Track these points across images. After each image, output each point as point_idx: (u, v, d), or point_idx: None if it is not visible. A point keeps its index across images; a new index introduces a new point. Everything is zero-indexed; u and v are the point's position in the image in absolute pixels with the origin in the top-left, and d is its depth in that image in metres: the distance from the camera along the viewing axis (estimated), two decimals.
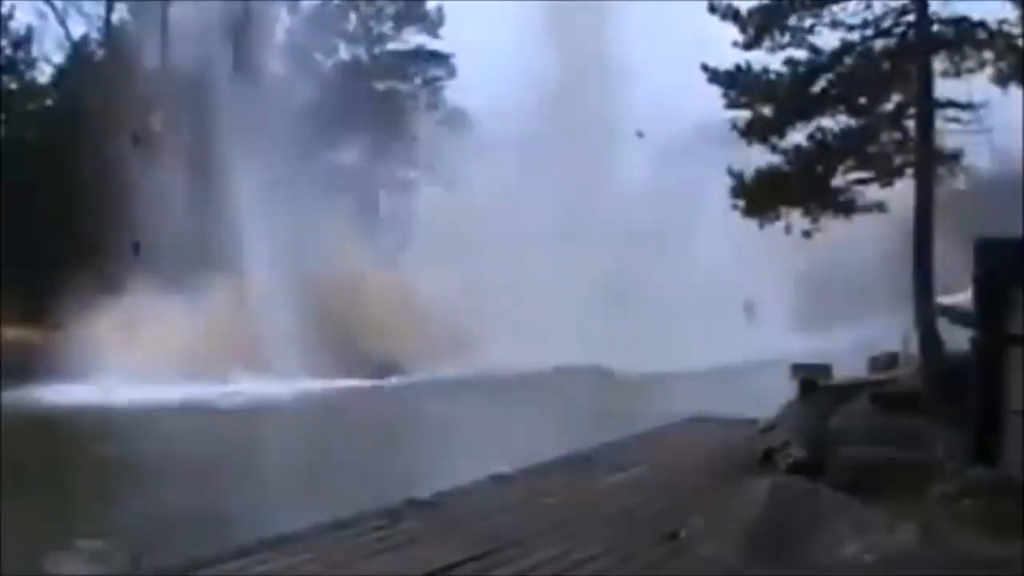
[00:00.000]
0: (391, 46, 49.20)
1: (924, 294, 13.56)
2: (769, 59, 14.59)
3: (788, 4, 14.50)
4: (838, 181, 14.66)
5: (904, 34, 14.25)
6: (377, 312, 35.72)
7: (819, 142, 14.54)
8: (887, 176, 14.54)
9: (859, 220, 15.24)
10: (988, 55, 13.90)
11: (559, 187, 39.44)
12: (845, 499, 9.17)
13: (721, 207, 15.92)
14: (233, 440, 22.60)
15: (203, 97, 39.96)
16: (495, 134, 42.42)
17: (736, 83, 14.64)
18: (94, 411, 25.90)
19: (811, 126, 14.57)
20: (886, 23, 14.30)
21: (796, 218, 14.86)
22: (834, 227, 15.43)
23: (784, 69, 14.50)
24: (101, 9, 42.49)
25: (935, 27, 14.02)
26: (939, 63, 14.03)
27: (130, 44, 41.18)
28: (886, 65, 14.46)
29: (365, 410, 27.60)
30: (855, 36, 14.39)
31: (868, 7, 14.32)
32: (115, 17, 43.11)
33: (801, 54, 14.51)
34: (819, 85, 14.54)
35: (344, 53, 49.14)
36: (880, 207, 14.91)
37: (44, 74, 41.66)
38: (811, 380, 14.48)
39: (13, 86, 39.99)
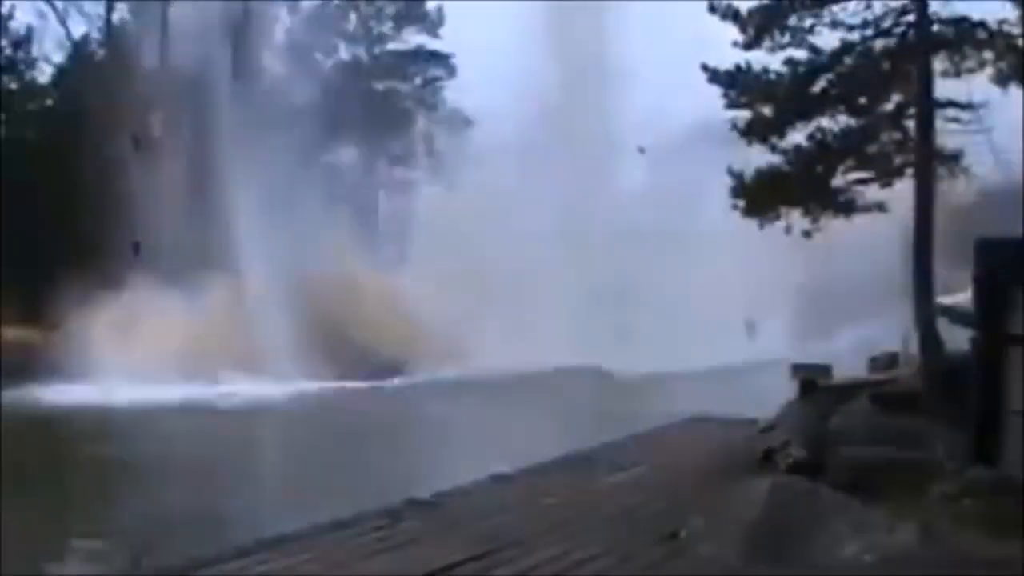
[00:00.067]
0: (391, 46, 49.22)
1: (924, 294, 13.55)
2: (769, 59, 14.59)
3: (788, 4, 14.49)
4: (838, 181, 14.65)
5: (904, 34, 14.24)
6: (376, 313, 35.70)
7: (819, 142, 14.53)
8: (887, 176, 14.53)
9: (859, 220, 15.23)
10: (988, 55, 13.89)
11: (559, 187, 39.44)
12: (845, 499, 9.17)
13: (721, 207, 15.92)
14: (231, 441, 22.59)
15: (203, 97, 40.00)
16: (495, 134, 42.45)
17: (736, 83, 14.63)
18: (93, 411, 25.88)
19: (811, 126, 14.55)
20: (886, 23, 14.29)
21: (796, 218, 14.85)
22: (834, 227, 15.42)
23: (784, 69, 14.48)
24: (101, 9, 42.54)
25: (935, 27, 14.01)
26: (939, 63, 14.02)
27: (130, 44, 41.16)
28: (886, 65, 14.45)
29: (363, 411, 27.57)
30: (855, 36, 14.38)
31: (868, 7, 14.31)
32: (115, 17, 43.16)
33: (801, 54, 14.51)
34: (819, 85, 14.52)
35: (344, 53, 49.16)
36: (880, 207, 14.90)
37: (44, 74, 41.78)
38: (811, 380, 14.48)
39: (13, 86, 40.00)
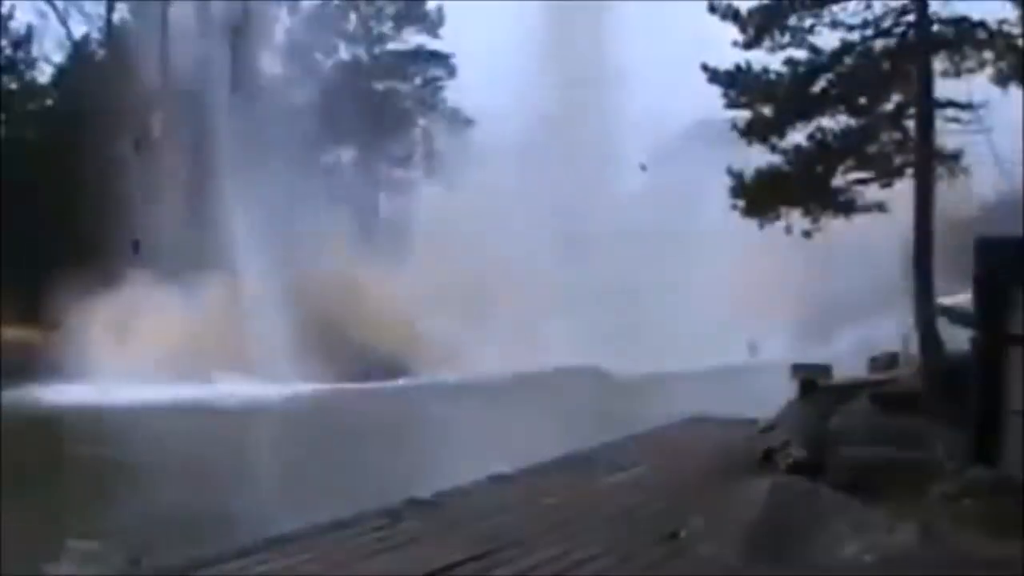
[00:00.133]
0: (391, 46, 49.20)
1: (924, 294, 13.54)
2: (769, 59, 14.57)
3: (788, 4, 14.48)
4: (838, 181, 14.64)
5: (904, 34, 14.23)
6: (374, 314, 35.59)
7: (819, 142, 14.52)
8: (887, 176, 14.52)
9: (859, 220, 15.22)
10: (988, 55, 13.88)
11: (558, 187, 39.42)
12: (845, 499, 9.18)
13: (721, 207, 15.91)
14: (228, 441, 22.59)
15: (202, 97, 40.00)
16: (494, 134, 42.42)
17: (736, 83, 14.62)
18: (91, 411, 25.86)
19: (811, 126, 14.54)
20: (886, 23, 14.28)
21: (796, 218, 14.84)
22: (834, 227, 15.41)
23: (784, 69, 14.47)
24: (102, 9, 42.56)
25: (935, 27, 14.00)
26: (939, 63, 14.01)
27: (130, 44, 41.15)
28: (886, 65, 14.44)
29: (360, 413, 27.47)
30: (855, 36, 14.37)
31: (868, 7, 14.30)
32: (115, 17, 43.18)
33: (801, 54, 14.50)
34: (819, 85, 14.51)
35: (344, 53, 49.14)
36: (880, 207, 14.89)
37: (44, 74, 41.77)
38: (811, 380, 14.48)
39: (13, 86, 39.99)
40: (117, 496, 17.04)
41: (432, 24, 48.48)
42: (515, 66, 39.21)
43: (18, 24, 40.04)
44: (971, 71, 14.03)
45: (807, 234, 15.01)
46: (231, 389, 30.49)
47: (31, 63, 41.05)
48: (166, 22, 41.63)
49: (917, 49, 13.96)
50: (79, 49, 42.20)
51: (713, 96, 15.02)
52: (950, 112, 14.14)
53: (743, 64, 14.54)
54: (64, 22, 41.89)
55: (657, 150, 42.13)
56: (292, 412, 27.58)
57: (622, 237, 38.35)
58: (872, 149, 14.58)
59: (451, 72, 48.60)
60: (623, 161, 41.82)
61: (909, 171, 14.16)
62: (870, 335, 23.58)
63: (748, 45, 14.67)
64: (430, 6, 48.58)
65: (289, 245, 35.53)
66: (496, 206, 38.54)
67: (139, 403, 26.74)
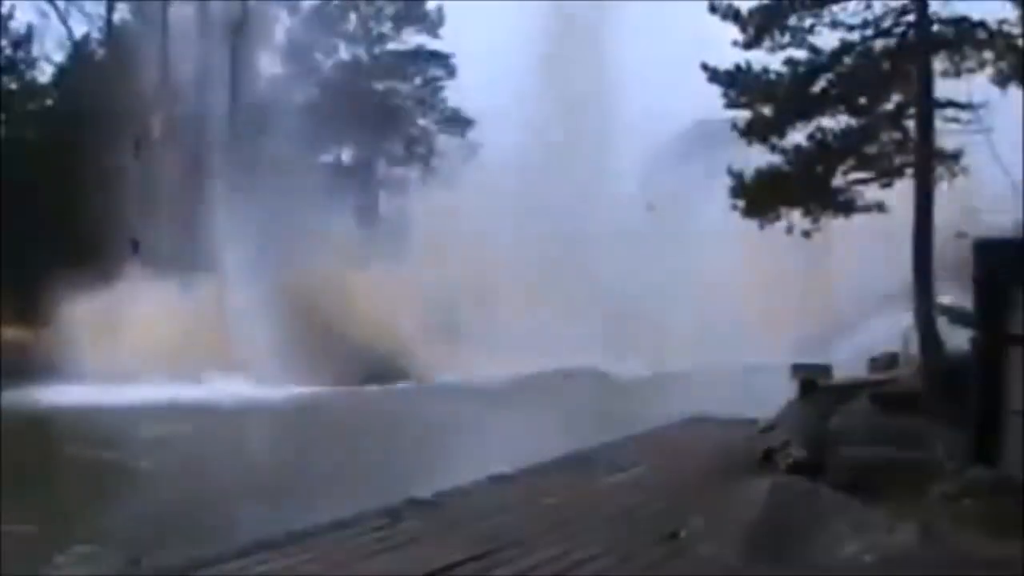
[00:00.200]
0: (391, 46, 49.16)
1: (924, 294, 13.54)
2: (769, 59, 14.57)
3: (788, 4, 14.48)
4: (838, 181, 14.64)
5: (904, 34, 14.23)
6: (372, 315, 35.46)
7: (819, 142, 14.52)
8: (887, 176, 14.52)
9: (858, 220, 15.22)
10: (988, 55, 13.87)
11: (558, 188, 39.36)
12: (845, 499, 9.18)
13: (721, 208, 15.91)
14: (224, 442, 22.56)
15: (202, 97, 40.02)
16: (494, 134, 42.42)
17: (736, 83, 14.62)
18: (88, 412, 25.75)
19: (811, 126, 14.54)
20: (886, 23, 14.28)
21: (796, 218, 14.85)
22: (834, 228, 15.42)
23: (784, 69, 14.47)
24: (102, 9, 42.54)
25: (935, 27, 14.00)
26: (939, 63, 14.01)
27: (131, 44, 41.16)
28: (886, 65, 14.44)
29: (358, 414, 27.38)
30: (855, 36, 14.36)
31: (868, 7, 14.30)
32: (116, 17, 43.18)
33: (801, 54, 14.49)
34: (819, 85, 14.51)
35: (344, 53, 49.11)
36: (880, 207, 14.89)
37: (45, 74, 41.73)
38: (811, 380, 14.48)
39: (13, 86, 39.97)
40: (113, 497, 17.00)
41: (432, 24, 48.45)
42: (515, 66, 39.23)
43: (18, 24, 40.09)
44: (971, 71, 14.03)
45: (807, 234, 15.02)
46: (220, 391, 30.23)
47: (31, 63, 41.00)
48: (166, 22, 41.64)
49: (917, 49, 13.96)
50: (79, 49, 42.18)
51: (713, 96, 15.03)
52: (950, 112, 14.13)
53: (743, 64, 14.54)
54: (65, 22, 41.94)
55: (657, 150, 42.15)
56: (287, 415, 27.35)
57: (621, 237, 38.33)
58: (872, 149, 14.58)
59: (451, 72, 48.58)
60: (622, 161, 41.84)
61: (909, 171, 14.16)
62: (870, 335, 23.54)
63: (748, 45, 14.67)
64: (430, 6, 48.57)
65: (287, 246, 35.44)
66: (495, 206, 38.53)
67: (126, 404, 26.60)
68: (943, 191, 14.14)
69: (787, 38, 14.47)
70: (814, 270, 34.72)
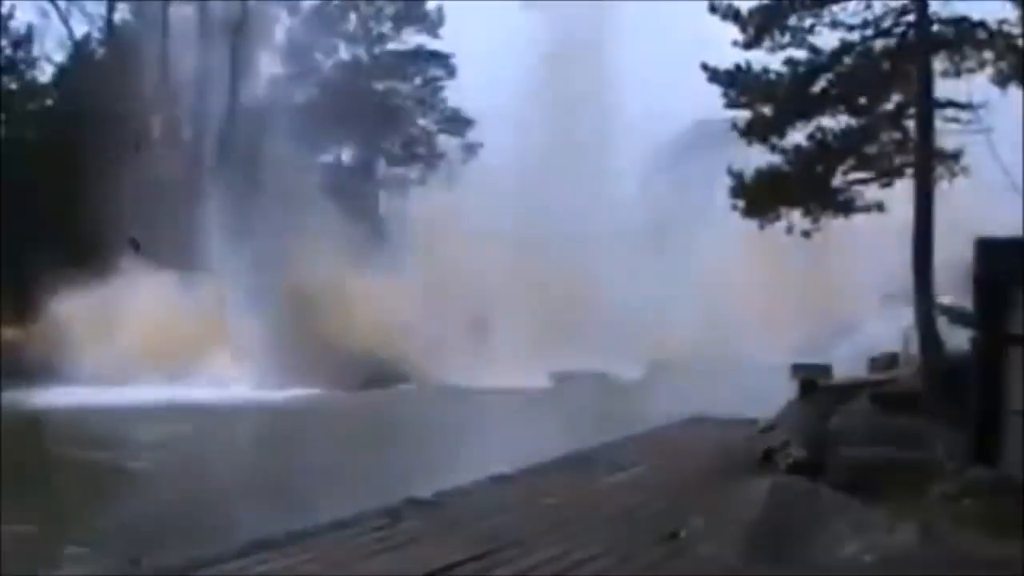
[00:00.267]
0: (391, 46, 49.18)
1: (924, 294, 13.54)
2: (769, 59, 14.57)
3: (788, 4, 14.48)
4: (838, 181, 14.64)
5: (904, 34, 14.23)
6: (371, 317, 35.35)
7: (819, 142, 14.52)
8: (887, 176, 14.52)
9: (858, 220, 15.22)
10: (988, 55, 13.88)
11: (558, 188, 39.35)
12: (845, 499, 9.18)
13: (721, 208, 15.91)
14: (223, 443, 22.55)
15: (202, 97, 40.03)
16: (494, 134, 42.42)
17: (736, 83, 14.61)
18: (86, 413, 25.70)
19: (811, 126, 14.54)
20: (886, 23, 14.28)
21: (796, 218, 14.85)
22: (834, 227, 15.41)
23: (784, 69, 14.47)
24: (103, 9, 42.55)
25: (935, 27, 13.99)
26: (939, 63, 14.00)
27: (131, 44, 41.17)
28: (886, 65, 14.44)
29: (357, 416, 27.30)
30: (855, 36, 14.36)
31: (868, 7, 14.30)
32: (116, 17, 43.19)
33: (801, 54, 14.49)
34: (819, 85, 14.50)
35: (344, 53, 49.13)
36: (880, 207, 14.89)
37: (45, 74, 41.72)
38: (811, 380, 14.48)
39: (13, 86, 39.96)
40: (109, 498, 16.97)
41: (432, 24, 48.47)
42: (515, 66, 39.24)
43: (18, 24, 40.07)
44: (971, 71, 14.02)
45: (807, 234, 15.02)
46: (219, 392, 30.15)
47: (32, 63, 40.99)
48: (166, 22, 41.66)
49: (917, 49, 13.96)
50: (80, 49, 42.17)
51: (713, 96, 15.03)
52: (950, 112, 14.13)
53: (743, 64, 14.54)
54: (65, 22, 41.94)
55: (657, 150, 42.18)
56: (279, 416, 27.24)
57: (621, 237, 38.34)
58: (872, 149, 14.58)
59: (451, 72, 48.59)
60: (622, 161, 41.86)
61: (909, 171, 14.16)
62: (869, 335, 23.55)
63: (748, 45, 14.66)
64: (430, 6, 48.60)
65: (286, 246, 35.36)
66: (495, 206, 38.52)
67: (113, 405, 26.55)
68: (943, 191, 14.15)
69: (787, 38, 14.47)
70: (814, 270, 34.74)
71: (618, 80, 39.59)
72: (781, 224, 14.94)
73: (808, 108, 14.46)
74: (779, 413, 14.03)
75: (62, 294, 32.01)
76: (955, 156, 14.38)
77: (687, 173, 35.64)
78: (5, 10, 39.27)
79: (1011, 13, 13.67)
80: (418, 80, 49.53)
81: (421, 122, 49.44)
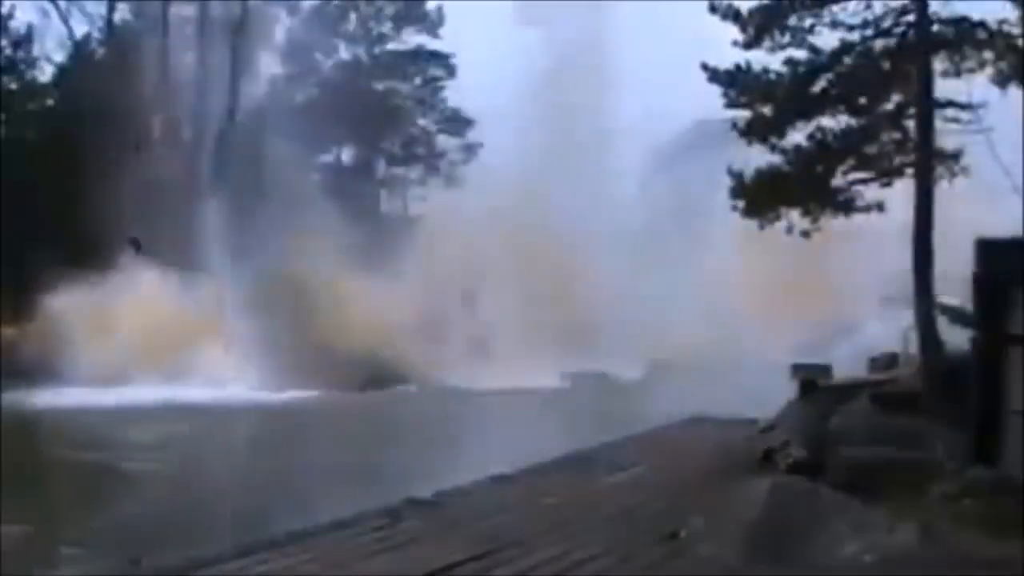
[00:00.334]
0: (391, 46, 49.22)
1: (924, 294, 13.54)
2: (769, 59, 14.57)
3: (788, 4, 14.47)
4: (838, 181, 14.64)
5: (904, 34, 14.22)
6: (373, 317, 35.29)
7: (819, 142, 14.51)
8: (887, 176, 14.52)
9: (858, 220, 15.22)
10: (988, 55, 13.87)
11: (558, 188, 39.35)
12: (845, 499, 9.19)
13: (721, 208, 15.90)
14: (222, 444, 22.54)
15: (202, 97, 40.03)
16: (494, 134, 42.41)
17: (736, 83, 14.60)
18: (83, 414, 25.66)
19: (811, 126, 14.53)
20: (886, 23, 14.27)
21: (796, 218, 14.84)
22: (834, 227, 15.41)
23: (784, 69, 14.47)
24: (103, 9, 42.55)
25: (935, 27, 13.98)
26: (939, 63, 14.00)
27: (131, 44, 41.17)
28: (886, 65, 14.43)
29: (354, 417, 27.26)
30: (855, 36, 14.36)
31: (868, 7, 14.29)
32: (116, 17, 43.19)
33: (801, 54, 14.48)
34: (819, 85, 14.49)
35: (344, 53, 49.16)
36: (880, 207, 14.89)
37: (45, 73, 41.71)
38: (811, 380, 14.48)
39: (13, 86, 39.95)
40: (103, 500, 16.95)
41: (432, 24, 48.50)
42: (515, 66, 39.24)
43: (18, 23, 40.05)
44: (971, 71, 14.01)
45: (806, 234, 15.02)
46: (216, 394, 30.06)
47: (32, 63, 40.97)
48: (166, 22, 41.67)
49: (917, 49, 13.95)
50: (80, 49, 42.17)
51: (713, 96, 15.02)
52: (950, 112, 14.12)
53: (743, 64, 14.53)
54: (65, 21, 41.93)
55: (657, 150, 42.16)
56: (278, 417, 27.14)
57: (621, 237, 38.33)
58: (872, 149, 14.57)
59: (451, 72, 48.62)
60: (622, 162, 41.86)
61: (909, 171, 14.16)
62: (869, 335, 23.57)
63: (748, 45, 14.65)
64: (430, 6, 48.63)
65: (286, 246, 35.34)
66: (495, 206, 38.51)
67: (110, 406, 26.52)
68: (943, 191, 14.14)
69: (787, 38, 14.46)
70: (814, 270, 34.69)
71: (618, 80, 39.61)
72: (781, 224, 14.93)
73: (808, 108, 14.45)
74: (779, 413, 14.03)
75: (58, 292, 31.95)
76: (955, 156, 14.37)
77: (687, 173, 35.56)
78: (5, 10, 39.31)
79: (1011, 13, 13.67)
80: (418, 80, 49.57)
81: (421, 122, 49.47)
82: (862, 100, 14.56)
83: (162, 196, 36.42)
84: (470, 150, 47.33)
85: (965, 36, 13.90)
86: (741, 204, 14.86)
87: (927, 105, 13.81)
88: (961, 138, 14.24)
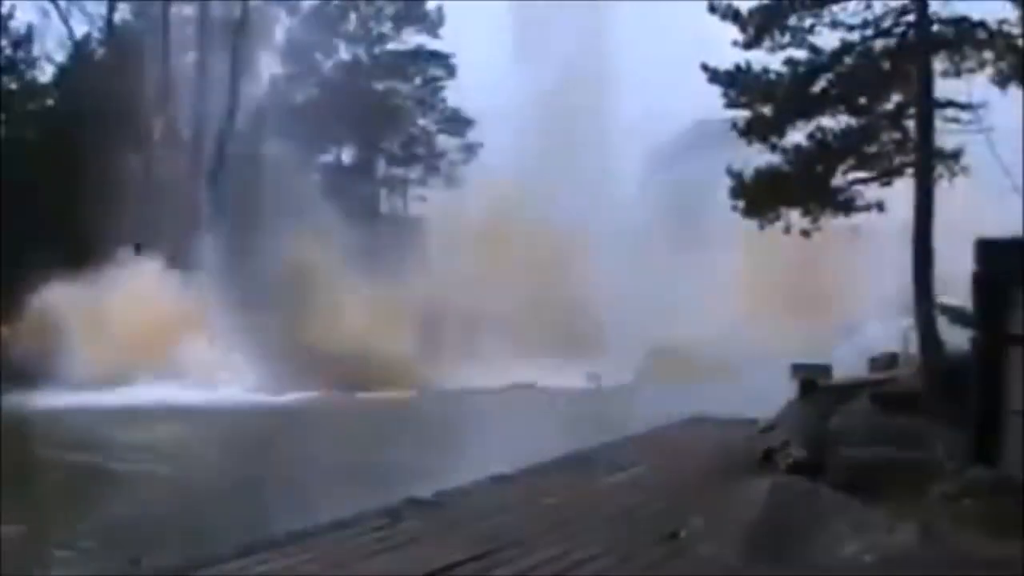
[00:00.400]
0: (391, 46, 49.19)
1: (924, 294, 13.54)
2: (769, 59, 14.57)
3: (788, 4, 14.47)
4: (838, 181, 14.64)
5: (904, 34, 14.22)
6: (371, 317, 35.18)
7: (819, 142, 14.51)
8: (887, 176, 14.52)
9: (858, 220, 15.22)
10: (988, 55, 13.87)
11: (558, 188, 39.33)
12: (845, 499, 9.19)
13: (721, 208, 15.90)
14: (215, 444, 22.53)
15: (202, 97, 40.03)
16: (494, 134, 42.40)
17: (736, 83, 14.60)
18: (82, 414, 25.65)
19: (811, 126, 14.54)
20: (886, 23, 14.27)
21: (796, 218, 14.84)
22: (834, 227, 15.41)
23: (784, 69, 14.47)
24: (103, 9, 42.53)
25: (935, 27, 13.99)
26: (939, 63, 14.00)
27: (131, 44, 41.16)
28: (886, 65, 14.43)
29: (355, 416, 27.20)
30: (855, 36, 14.36)
31: (868, 7, 14.29)
32: (117, 17, 43.18)
33: (801, 54, 14.48)
34: (819, 85, 14.49)
35: (344, 53, 49.15)
36: (880, 207, 14.89)
37: (45, 73, 41.68)
38: (811, 380, 14.48)
39: (13, 86, 39.93)
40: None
41: (432, 24, 48.48)
42: (515, 66, 39.23)
43: (19, 23, 40.01)
44: (971, 71, 14.02)
45: (806, 234, 15.02)
46: (213, 395, 29.97)
47: (32, 63, 40.91)
48: (166, 22, 41.66)
49: (917, 49, 13.95)
50: (80, 49, 42.15)
51: (713, 96, 15.02)
52: (950, 112, 14.12)
53: (743, 64, 14.53)
54: (65, 21, 41.90)
55: (657, 150, 42.14)
56: (276, 417, 27.08)
57: (621, 238, 38.31)
58: (872, 149, 14.57)
59: (451, 72, 48.60)
60: (622, 162, 41.82)
61: (909, 171, 14.16)
62: (869, 335, 23.56)
63: (748, 45, 14.66)
64: (430, 6, 48.60)
65: (284, 246, 35.30)
66: (495, 206, 38.49)
67: (108, 406, 26.48)
68: (943, 191, 14.14)
69: (787, 38, 14.46)
70: (814, 270, 34.68)
71: (618, 80, 39.58)
72: (781, 224, 14.93)
73: (808, 108, 14.45)
74: (779, 413, 14.03)
75: (51, 291, 31.88)
76: (955, 156, 14.37)
77: (687, 173, 35.54)
78: (5, 10, 39.27)
79: (1011, 13, 13.67)
80: (418, 80, 49.53)
81: (421, 122, 49.44)
82: (862, 100, 14.56)
83: (162, 196, 36.41)
84: (470, 150, 47.29)
85: (965, 36, 13.90)
86: (741, 204, 14.86)
87: (927, 105, 13.81)
88: (961, 138, 14.24)
